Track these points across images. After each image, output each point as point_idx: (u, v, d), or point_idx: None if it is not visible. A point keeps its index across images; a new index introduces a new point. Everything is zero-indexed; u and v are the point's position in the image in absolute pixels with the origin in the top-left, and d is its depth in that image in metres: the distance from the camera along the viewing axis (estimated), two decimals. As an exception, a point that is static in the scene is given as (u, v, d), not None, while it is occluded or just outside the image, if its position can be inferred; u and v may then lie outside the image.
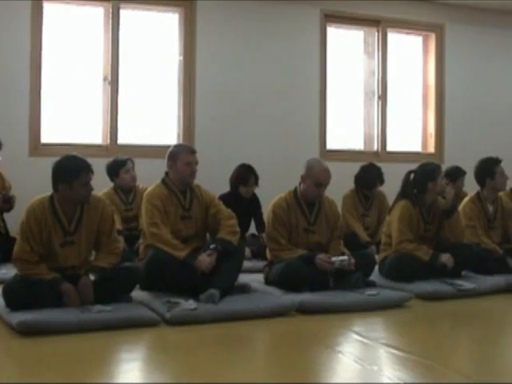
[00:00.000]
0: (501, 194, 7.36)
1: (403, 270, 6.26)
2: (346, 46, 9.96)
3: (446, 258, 6.34)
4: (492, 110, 10.57)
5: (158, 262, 5.44)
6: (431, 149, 10.21)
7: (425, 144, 10.31)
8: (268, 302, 5.35)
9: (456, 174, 8.12)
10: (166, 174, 5.83)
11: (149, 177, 6.41)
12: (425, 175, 6.59)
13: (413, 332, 5.10)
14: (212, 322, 4.96)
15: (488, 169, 7.15)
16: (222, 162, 8.44)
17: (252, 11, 9.11)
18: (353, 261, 5.80)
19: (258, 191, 7.95)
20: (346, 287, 5.75)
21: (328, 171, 6.03)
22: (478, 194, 7.19)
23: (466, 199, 7.23)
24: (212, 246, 5.53)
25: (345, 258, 5.79)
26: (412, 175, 6.69)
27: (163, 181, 5.80)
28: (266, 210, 6.15)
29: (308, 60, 9.39)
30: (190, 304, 5.03)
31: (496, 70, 10.66)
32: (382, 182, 8.33)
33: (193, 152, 5.87)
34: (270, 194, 6.38)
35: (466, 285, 6.20)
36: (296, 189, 6.08)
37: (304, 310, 5.35)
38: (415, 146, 10.28)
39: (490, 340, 4.87)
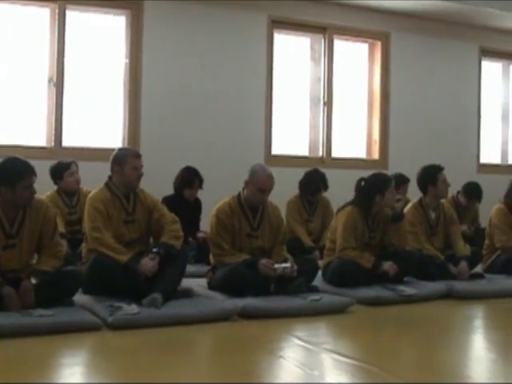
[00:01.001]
0: (443, 200, 7.45)
1: (346, 275, 6.30)
2: (292, 52, 10.00)
3: (388, 266, 6.40)
4: (435, 118, 10.71)
5: (101, 266, 5.40)
6: (375, 155, 10.30)
7: (369, 150, 10.39)
8: (211, 307, 5.34)
9: (399, 181, 8.22)
10: (110, 177, 5.79)
11: (93, 180, 6.36)
12: (374, 187, 6.63)
13: (355, 337, 5.13)
14: (154, 326, 4.94)
15: (430, 176, 7.22)
16: (166, 165, 8.40)
17: (199, 15, 9.09)
18: (295, 268, 5.82)
19: (201, 195, 7.96)
20: (288, 292, 5.76)
21: (271, 177, 6.05)
22: (420, 201, 7.27)
23: (409, 206, 7.30)
24: (154, 250, 5.52)
25: (288, 265, 5.81)
26: (363, 183, 6.73)
27: (106, 184, 5.77)
28: (210, 215, 6.15)
29: (254, 65, 9.41)
30: (133, 308, 5.00)
31: (440, 78, 10.80)
32: (326, 187, 8.39)
33: (138, 156, 5.85)
34: (214, 198, 6.37)
35: (408, 290, 6.27)
36: (240, 194, 6.09)
37: (246, 315, 5.35)
38: (360, 153, 10.36)
39: (430, 345, 4.92)
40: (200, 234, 7.80)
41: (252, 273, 5.73)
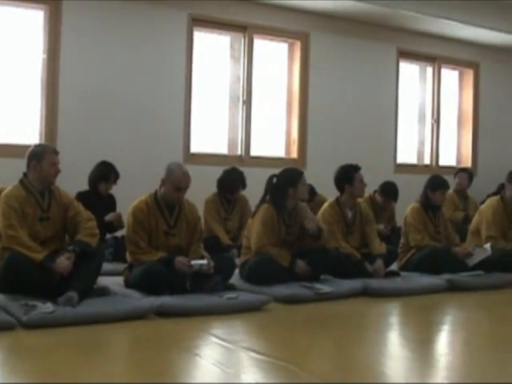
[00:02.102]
0: (359, 200, 7.54)
1: (263, 273, 6.34)
2: (212, 50, 9.98)
3: (299, 269, 6.46)
4: (354, 118, 10.81)
5: (15, 265, 5.30)
6: (294, 154, 10.36)
7: (288, 149, 10.45)
8: (127, 305, 5.31)
9: None
10: (25, 174, 5.70)
11: (8, 177, 6.24)
12: (286, 180, 6.69)
13: (271, 335, 5.16)
14: (70, 325, 4.89)
15: (347, 175, 7.31)
16: (83, 162, 8.27)
17: (119, 12, 8.99)
18: (212, 264, 5.83)
19: (119, 193, 7.91)
20: (205, 290, 5.76)
21: (188, 175, 6.04)
22: (337, 200, 7.34)
23: (326, 204, 7.37)
24: (70, 248, 5.45)
25: (204, 262, 5.81)
26: (275, 179, 6.78)
27: (21, 182, 5.67)
28: (126, 213, 6.10)
29: (174, 63, 9.36)
30: (48, 307, 4.94)
31: (358, 79, 10.91)
32: (244, 186, 8.41)
33: (56, 152, 5.78)
34: (131, 195, 6.33)
35: (324, 288, 6.32)
36: (156, 192, 6.06)
37: (163, 313, 5.34)
38: (279, 151, 10.41)
39: (346, 342, 4.98)
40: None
41: (168, 271, 5.72)
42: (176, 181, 5.96)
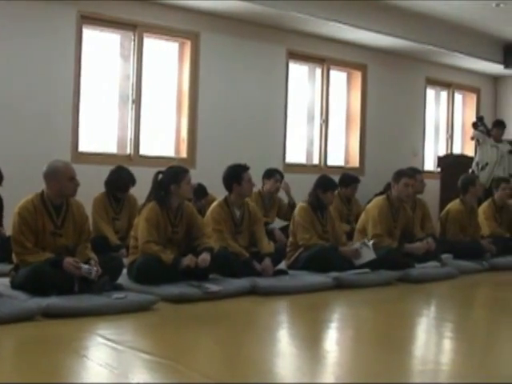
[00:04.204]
0: (247, 199, 7.59)
1: (150, 273, 6.31)
2: (102, 48, 9.87)
3: (188, 260, 6.44)
4: (243, 118, 10.89)
5: None
6: (183, 154, 10.35)
7: (177, 149, 10.43)
8: (13, 307, 5.21)
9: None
10: None
11: None
12: (170, 178, 6.68)
13: (159, 334, 5.16)
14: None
15: (236, 175, 7.34)
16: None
17: (5, 7, 8.79)
18: (99, 271, 5.77)
19: (5, 193, 7.75)
20: (93, 291, 5.70)
21: (71, 164, 6.08)
22: (225, 199, 7.37)
23: (214, 204, 7.39)
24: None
25: (92, 269, 5.74)
26: (160, 176, 6.77)
27: None
28: (12, 213, 5.98)
29: (63, 61, 9.19)
30: None
31: (249, 80, 10.99)
32: (134, 182, 8.36)
33: None
34: (17, 196, 6.20)
35: (213, 287, 6.34)
36: (43, 192, 5.96)
37: (50, 314, 5.26)
38: (168, 151, 10.38)
39: (234, 341, 5.02)
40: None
41: (56, 271, 5.63)
42: (66, 172, 5.92)
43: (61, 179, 5.91)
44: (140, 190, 7.96)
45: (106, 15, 9.55)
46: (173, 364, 4.16)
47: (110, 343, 4.63)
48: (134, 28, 9.87)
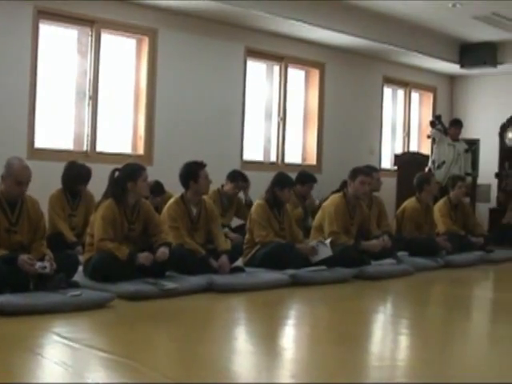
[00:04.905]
0: (205, 196, 7.59)
1: (106, 270, 6.28)
2: (59, 44, 9.78)
3: (143, 259, 6.43)
4: (201, 115, 10.85)
5: None
6: (141, 151, 10.30)
7: (135, 146, 10.38)
8: (-34, 305, 5.17)
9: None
10: None
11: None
12: (126, 175, 6.66)
13: (115, 332, 5.14)
14: None
15: (192, 172, 7.34)
16: None
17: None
18: (54, 266, 5.72)
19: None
20: (48, 288, 5.66)
21: (28, 169, 5.93)
22: (182, 196, 7.36)
23: (171, 201, 7.38)
24: None
25: (46, 267, 5.69)
26: (116, 173, 6.74)
27: None
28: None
29: (18, 56, 9.07)
30: None
31: (207, 77, 10.96)
32: (89, 176, 8.31)
33: None
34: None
35: (169, 284, 6.34)
36: (-3, 188, 5.92)
37: (4, 312, 5.21)
38: (125, 148, 10.33)
39: (190, 338, 5.01)
40: None
41: (10, 269, 5.56)
42: (16, 175, 5.84)
43: (10, 179, 5.86)
44: (97, 187, 7.91)
45: (63, 11, 9.45)
46: (129, 362, 4.15)
47: (65, 341, 4.61)
48: (92, 24, 9.79)
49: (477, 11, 11.54)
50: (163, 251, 6.50)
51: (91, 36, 9.83)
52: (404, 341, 5.37)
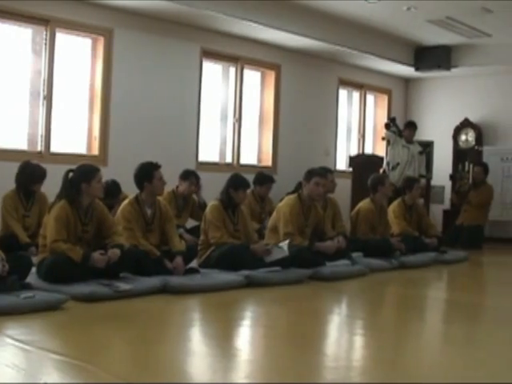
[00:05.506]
0: (159, 198, 7.56)
1: (60, 271, 6.24)
2: (13, 43, 9.67)
3: (96, 258, 6.39)
4: (157, 116, 10.83)
5: None
6: (95, 151, 10.24)
7: (89, 146, 10.32)
8: None
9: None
10: None
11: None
12: (80, 176, 6.63)
13: (69, 334, 5.10)
14: None
15: (147, 173, 7.32)
16: None
17: None
18: (6, 268, 5.67)
19: None
20: (1, 290, 5.59)
21: None
22: (136, 198, 7.32)
23: (125, 202, 7.34)
24: None
25: None
26: (70, 174, 6.70)
27: None
28: None
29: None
30: None
31: (162, 77, 10.93)
32: (44, 175, 8.25)
33: None
34: None
35: (123, 286, 6.31)
36: None
37: (-44, 314, 5.17)
38: (80, 148, 10.26)
39: (145, 340, 5.00)
40: None
41: (-39, 270, 5.53)
42: None
43: None
44: (51, 188, 7.85)
45: (18, 9, 9.36)
46: (83, 364, 4.12)
47: (17, 343, 4.56)
48: (47, 23, 9.70)
49: (431, 15, 11.66)
50: (114, 251, 6.48)
51: (46, 35, 9.75)
52: (359, 341, 5.41)
